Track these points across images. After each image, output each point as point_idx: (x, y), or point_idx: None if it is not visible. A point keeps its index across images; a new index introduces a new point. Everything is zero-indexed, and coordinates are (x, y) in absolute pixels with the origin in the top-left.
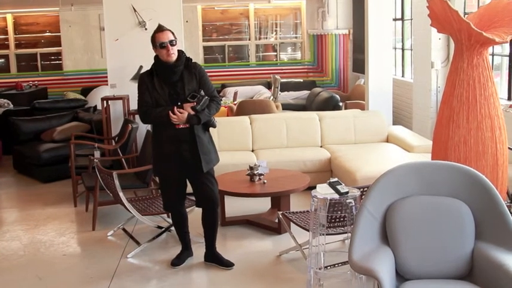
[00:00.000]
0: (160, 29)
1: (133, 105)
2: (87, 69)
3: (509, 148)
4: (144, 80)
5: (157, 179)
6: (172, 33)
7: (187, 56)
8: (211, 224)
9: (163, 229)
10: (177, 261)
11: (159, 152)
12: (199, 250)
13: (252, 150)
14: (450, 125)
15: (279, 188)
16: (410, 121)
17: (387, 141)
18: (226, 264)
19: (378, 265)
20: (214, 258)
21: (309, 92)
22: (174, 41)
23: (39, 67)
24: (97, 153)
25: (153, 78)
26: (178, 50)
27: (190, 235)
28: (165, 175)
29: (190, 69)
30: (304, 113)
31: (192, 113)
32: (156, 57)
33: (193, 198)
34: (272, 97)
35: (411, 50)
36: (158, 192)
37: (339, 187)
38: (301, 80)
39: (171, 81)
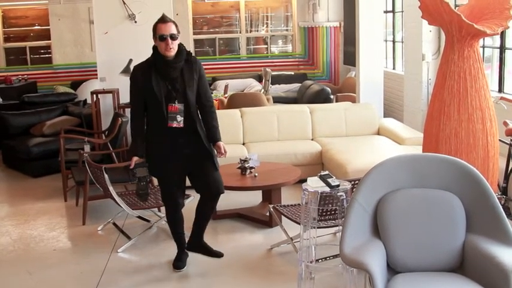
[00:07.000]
0: (163, 19)
1: (123, 98)
2: (77, 62)
3: (499, 140)
4: (137, 75)
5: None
6: (176, 26)
7: (187, 50)
8: (208, 213)
9: (153, 223)
10: (180, 264)
11: (156, 153)
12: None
13: (243, 144)
14: (441, 117)
15: (270, 181)
16: (401, 113)
17: (378, 133)
18: (216, 254)
19: (369, 258)
20: (202, 249)
21: (300, 84)
22: (176, 35)
23: (28, 61)
24: (87, 147)
25: (150, 71)
26: (178, 44)
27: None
28: (166, 177)
29: (191, 64)
30: (295, 105)
31: None
32: (155, 49)
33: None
34: (263, 90)
35: (402, 42)
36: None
37: (329, 180)
38: (292, 73)
39: (170, 77)
